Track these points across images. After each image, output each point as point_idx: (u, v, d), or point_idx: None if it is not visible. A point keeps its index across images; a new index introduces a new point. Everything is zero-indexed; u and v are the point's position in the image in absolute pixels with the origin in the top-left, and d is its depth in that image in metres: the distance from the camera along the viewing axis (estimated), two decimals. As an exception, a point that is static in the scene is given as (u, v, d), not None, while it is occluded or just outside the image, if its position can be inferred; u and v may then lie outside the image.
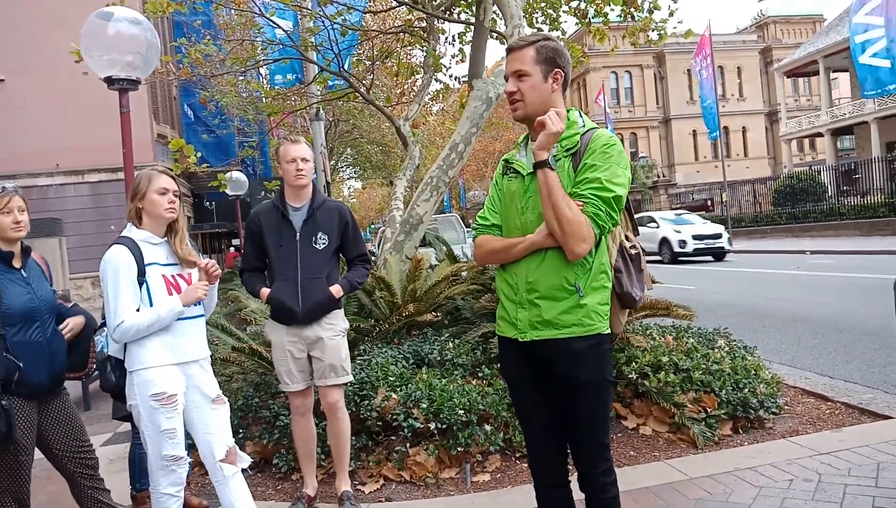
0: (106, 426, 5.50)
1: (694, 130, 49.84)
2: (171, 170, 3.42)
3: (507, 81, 2.20)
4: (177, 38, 10.58)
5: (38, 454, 2.91)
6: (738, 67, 52.54)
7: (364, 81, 9.15)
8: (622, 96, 51.35)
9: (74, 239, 15.54)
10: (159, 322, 2.67)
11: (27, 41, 16.53)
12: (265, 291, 3.44)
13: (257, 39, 8.61)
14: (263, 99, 10.32)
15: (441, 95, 9.74)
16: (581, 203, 2.04)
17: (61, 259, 10.99)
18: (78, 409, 3.19)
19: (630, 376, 4.18)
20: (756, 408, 4.18)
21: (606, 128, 2.77)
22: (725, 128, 46.06)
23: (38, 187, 16.76)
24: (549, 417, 2.25)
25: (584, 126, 2.18)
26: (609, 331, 2.19)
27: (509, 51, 2.19)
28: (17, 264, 2.84)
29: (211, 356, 2.98)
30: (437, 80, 8.87)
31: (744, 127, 52.18)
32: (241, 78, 10.44)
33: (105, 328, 2.90)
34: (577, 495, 2.28)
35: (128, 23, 4.67)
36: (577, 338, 2.09)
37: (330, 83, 8.82)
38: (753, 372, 4.41)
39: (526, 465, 3.81)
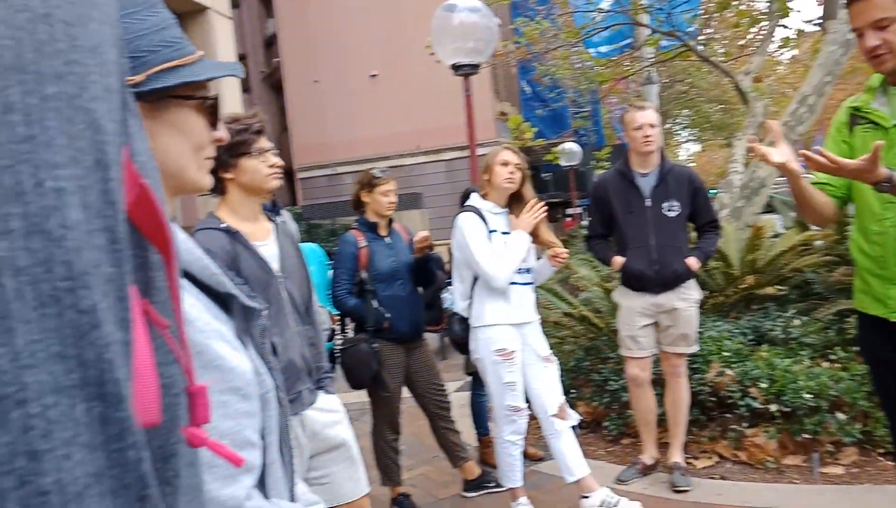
0: (458, 374, 6.21)
1: None
2: (510, 145, 3.71)
3: (858, 35, 1.85)
4: (514, 19, 11.18)
5: (406, 393, 3.46)
6: None
7: (699, 38, 8.61)
8: None
9: (432, 211, 17.66)
10: (516, 253, 2.97)
11: (393, 38, 19.04)
12: (618, 259, 3.46)
13: (589, 9, 8.67)
14: (595, 68, 10.35)
15: (790, 43, 8.68)
16: None
17: (424, 229, 12.55)
18: (436, 358, 3.70)
19: None
20: None
21: None
22: None
23: (405, 166, 19.32)
24: None
25: None
26: None
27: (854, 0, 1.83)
28: (383, 232, 3.39)
29: (543, 319, 3.20)
30: (784, 26, 7.94)
31: None
32: (573, 49, 10.62)
33: (451, 288, 3.31)
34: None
35: (468, 11, 5.12)
36: None
37: (663, 44, 8.48)
38: None
39: (892, 463, 3.32)
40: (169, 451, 0.40)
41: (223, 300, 1.03)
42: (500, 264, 2.96)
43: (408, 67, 18.28)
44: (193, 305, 0.93)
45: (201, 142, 1.00)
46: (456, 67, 5.10)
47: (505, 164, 3.07)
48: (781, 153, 1.91)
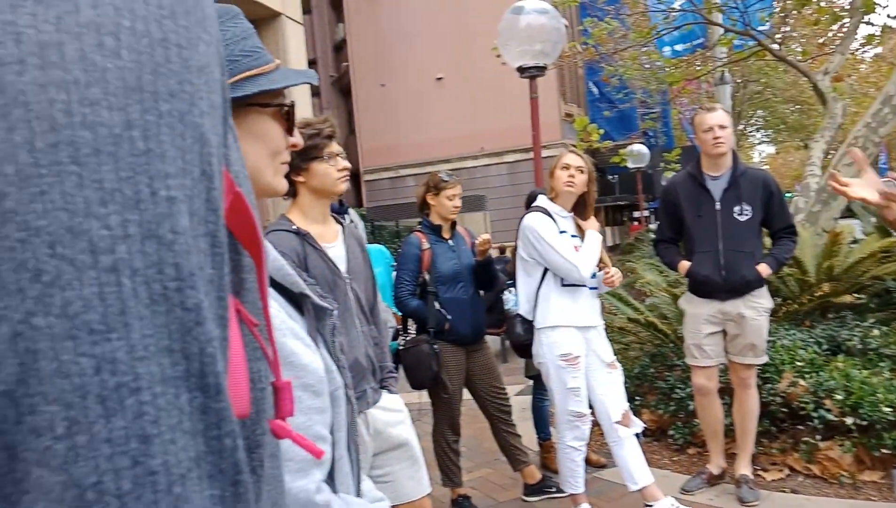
0: (519, 378, 6.19)
1: None
2: (575, 147, 3.68)
3: None
4: (583, 20, 11.06)
5: (467, 395, 3.48)
6: None
7: (776, 36, 8.32)
8: None
9: (495, 213, 17.65)
10: (592, 250, 3.03)
11: (460, 42, 19.12)
12: (685, 264, 3.40)
13: (658, 9, 8.50)
14: (665, 68, 10.14)
15: (874, 40, 8.28)
16: None
17: (486, 231, 12.56)
18: (496, 361, 3.71)
19: None
20: None
21: None
22: None
23: (468, 169, 19.37)
24: None
25: None
26: None
27: None
28: (446, 235, 3.42)
29: (607, 325, 3.17)
30: (868, 23, 7.58)
31: None
32: (642, 50, 10.44)
33: (514, 289, 3.30)
34: None
35: (536, 14, 5.10)
36: None
37: (736, 43, 8.24)
38: None
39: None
40: (254, 442, 0.42)
41: (296, 300, 1.07)
42: (581, 257, 2.97)
43: (473, 69, 18.33)
44: (270, 304, 0.98)
45: (278, 148, 1.05)
46: (522, 70, 5.09)
47: (565, 168, 3.06)
48: (863, 185, 1.82)
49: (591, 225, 3.12)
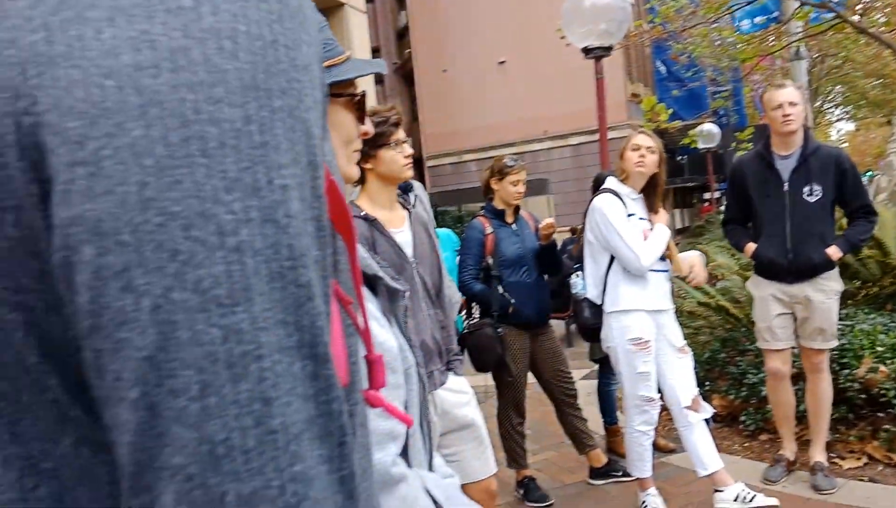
0: (584, 362, 6.15)
1: None
2: (643, 128, 3.62)
3: None
4: (649, -2, 10.77)
5: (532, 378, 3.49)
6: None
7: (856, 7, 7.91)
8: None
9: (559, 197, 17.46)
10: (658, 243, 3.00)
11: (522, 24, 18.91)
12: (751, 246, 3.33)
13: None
14: (737, 45, 9.77)
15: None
16: None
17: (550, 215, 12.47)
18: (561, 345, 3.71)
19: None
20: None
21: None
22: None
23: (531, 152, 19.20)
24: None
25: None
26: None
27: None
28: (509, 219, 3.43)
29: (677, 309, 3.12)
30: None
31: None
32: (712, 26, 10.09)
33: (580, 272, 3.29)
34: None
35: (600, -8, 5.00)
36: None
37: (813, 16, 7.87)
38: None
39: None
40: (349, 411, 0.46)
41: (369, 281, 1.11)
42: (645, 248, 2.94)
43: (537, 52, 18.11)
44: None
45: (350, 136, 1.09)
46: (587, 50, 5.01)
47: (636, 148, 3.02)
48: None
49: (661, 218, 3.07)
